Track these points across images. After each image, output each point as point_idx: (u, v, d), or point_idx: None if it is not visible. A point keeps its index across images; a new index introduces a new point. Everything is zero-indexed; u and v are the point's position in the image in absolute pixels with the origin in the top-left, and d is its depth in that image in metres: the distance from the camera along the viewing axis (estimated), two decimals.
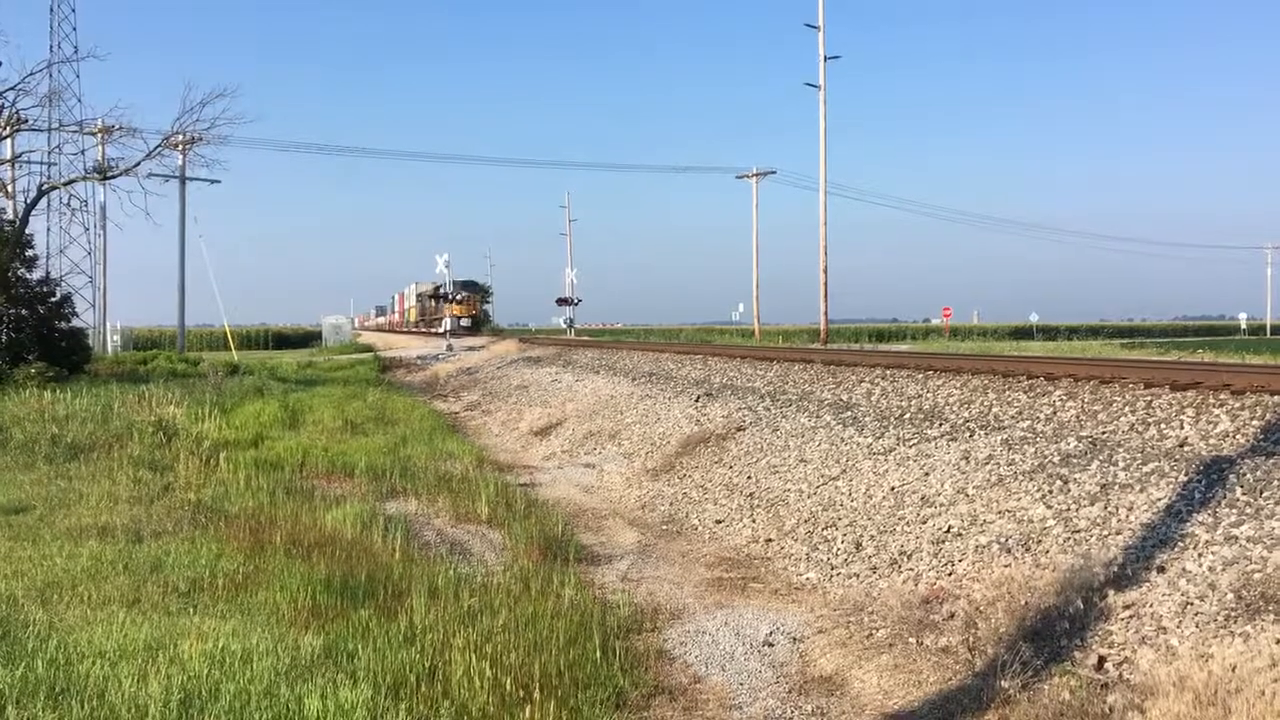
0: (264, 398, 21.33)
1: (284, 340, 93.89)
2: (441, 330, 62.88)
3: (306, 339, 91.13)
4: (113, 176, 29.59)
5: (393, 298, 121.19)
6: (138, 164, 28.37)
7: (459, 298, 70.75)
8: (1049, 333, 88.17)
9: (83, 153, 34.36)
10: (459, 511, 11.04)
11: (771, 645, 6.99)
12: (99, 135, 33.87)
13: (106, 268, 45.52)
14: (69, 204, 41.28)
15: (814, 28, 39.53)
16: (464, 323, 70.64)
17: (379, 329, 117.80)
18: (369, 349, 53.58)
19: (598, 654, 6.23)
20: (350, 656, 5.75)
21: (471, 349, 42.31)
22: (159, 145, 29.03)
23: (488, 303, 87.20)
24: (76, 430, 14.87)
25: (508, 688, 5.43)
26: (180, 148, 33.75)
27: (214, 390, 22.27)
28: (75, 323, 30.53)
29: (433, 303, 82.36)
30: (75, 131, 34.48)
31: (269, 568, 7.87)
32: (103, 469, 12.35)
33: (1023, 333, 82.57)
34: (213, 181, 40.74)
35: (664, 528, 11.03)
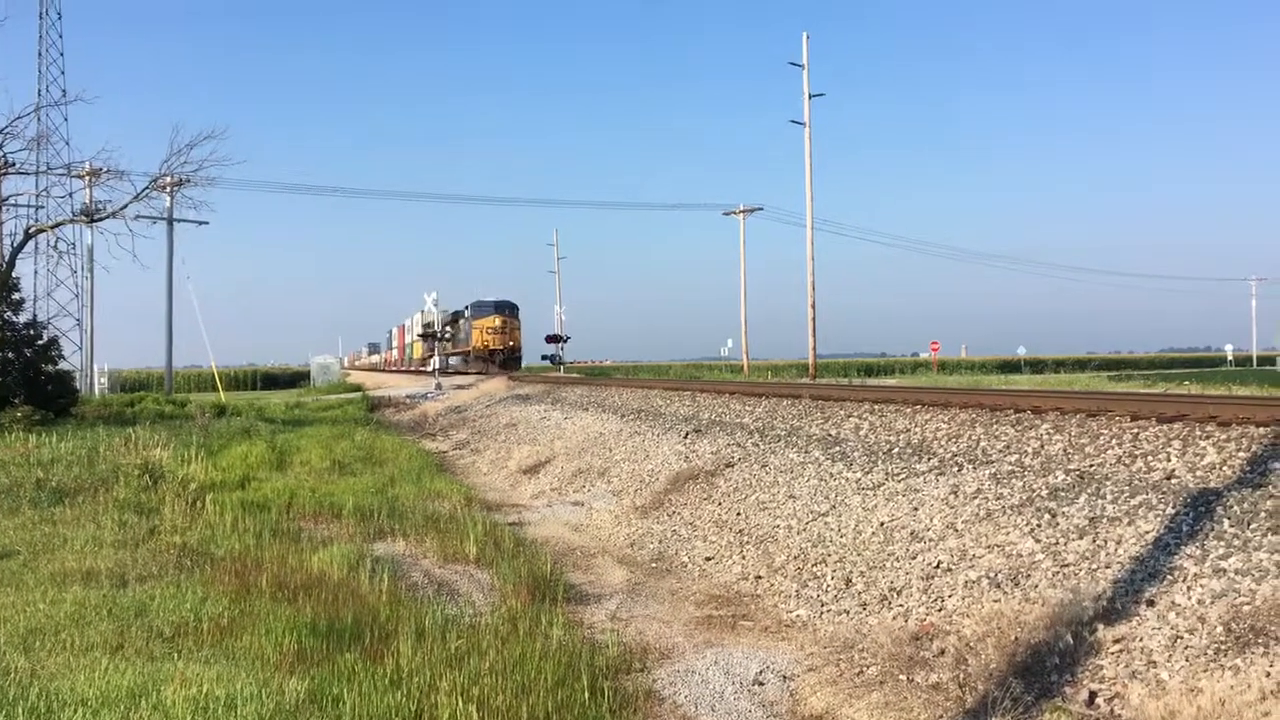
0: (251, 439, 21.24)
1: (272, 381, 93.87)
2: (435, 369, 52.72)
3: (295, 379, 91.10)
4: (100, 219, 29.62)
5: (389, 333, 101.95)
6: (125, 206, 28.43)
7: (490, 323, 51.99)
8: (1036, 366, 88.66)
9: (70, 195, 34.50)
10: (447, 552, 10.96)
11: (761, 684, 6.93)
12: (86, 178, 33.98)
13: (94, 310, 45.55)
14: (56, 247, 41.33)
15: (798, 66, 39.91)
16: (493, 358, 51.18)
17: (372, 368, 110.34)
18: (358, 388, 53.54)
19: (586, 695, 6.17)
20: (335, 701, 5.68)
21: (460, 387, 42.22)
22: (146, 188, 29.10)
23: None
24: (62, 474, 14.79)
25: None
26: (168, 190, 33.81)
27: (201, 432, 22.19)
28: (62, 365, 30.43)
29: (447, 331, 62.68)
30: (63, 174, 34.62)
31: (255, 611, 7.80)
32: (88, 513, 12.27)
33: (1010, 366, 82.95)
34: (200, 223, 40.86)
35: (653, 566, 10.98)
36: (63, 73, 52.28)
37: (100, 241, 36.16)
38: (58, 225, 32.14)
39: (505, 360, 51.66)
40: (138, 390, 50.05)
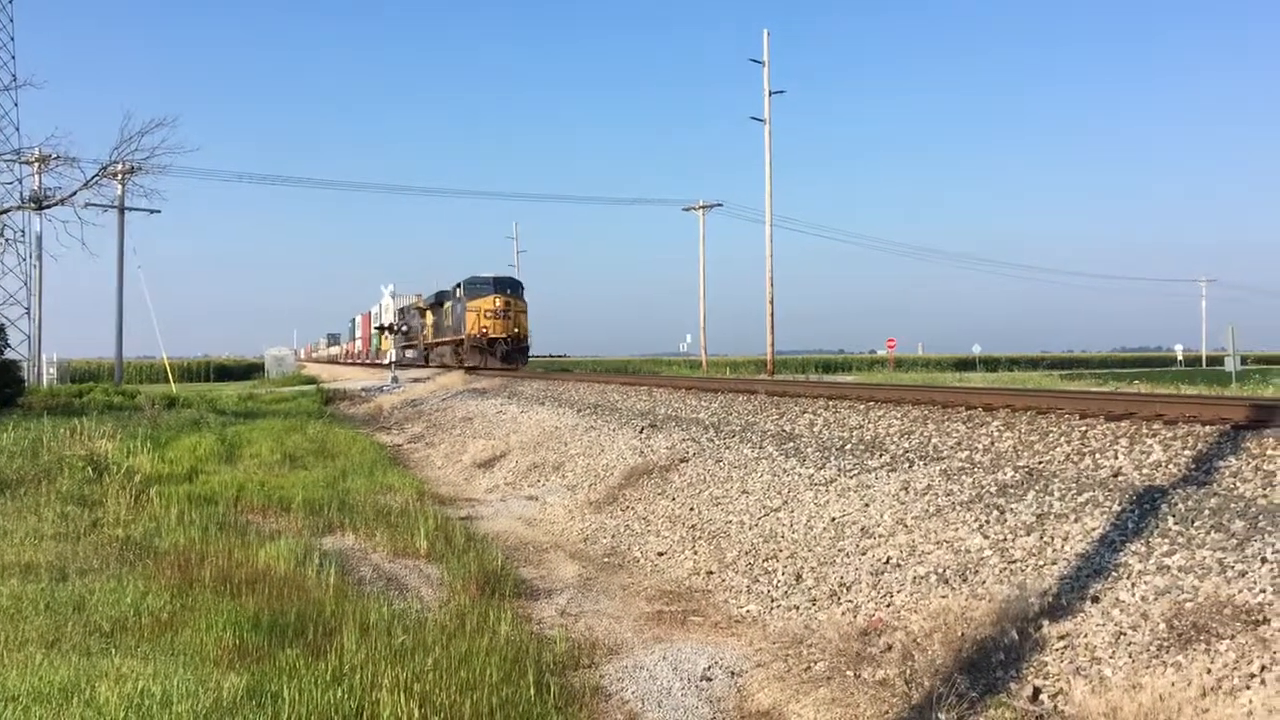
0: (201, 431, 20.93)
1: (226, 372, 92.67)
2: (391, 362, 47.82)
3: (249, 371, 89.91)
4: (48, 206, 29.05)
5: (351, 322, 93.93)
6: (74, 193, 27.92)
7: (489, 305, 40.96)
8: (991, 364, 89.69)
9: (19, 181, 33.76)
10: (397, 546, 10.84)
11: (709, 680, 6.91)
12: (35, 164, 33.30)
13: (42, 299, 44.66)
14: (3, 234, 40.45)
15: (759, 63, 40.02)
16: (494, 348, 40.55)
17: (331, 360, 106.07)
18: (313, 381, 52.92)
19: (531, 692, 6.11)
20: (274, 698, 5.58)
21: (417, 380, 41.92)
22: (96, 175, 28.58)
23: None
24: (3, 465, 14.48)
25: None
26: (119, 177, 33.21)
27: (149, 423, 21.84)
28: (9, 355, 29.88)
29: (427, 319, 52.64)
30: (11, 160, 33.90)
31: (196, 606, 7.66)
32: (29, 505, 12.01)
33: (966, 364, 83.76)
34: (152, 211, 40.08)
35: (605, 560, 10.93)
36: (13, 57, 51.22)
37: (49, 229, 35.26)
38: (5, 212, 31.49)
39: (509, 352, 40.86)
40: (87, 381, 49.15)
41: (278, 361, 73.06)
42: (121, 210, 40.75)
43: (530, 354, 44.00)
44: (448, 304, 45.90)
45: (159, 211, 39.41)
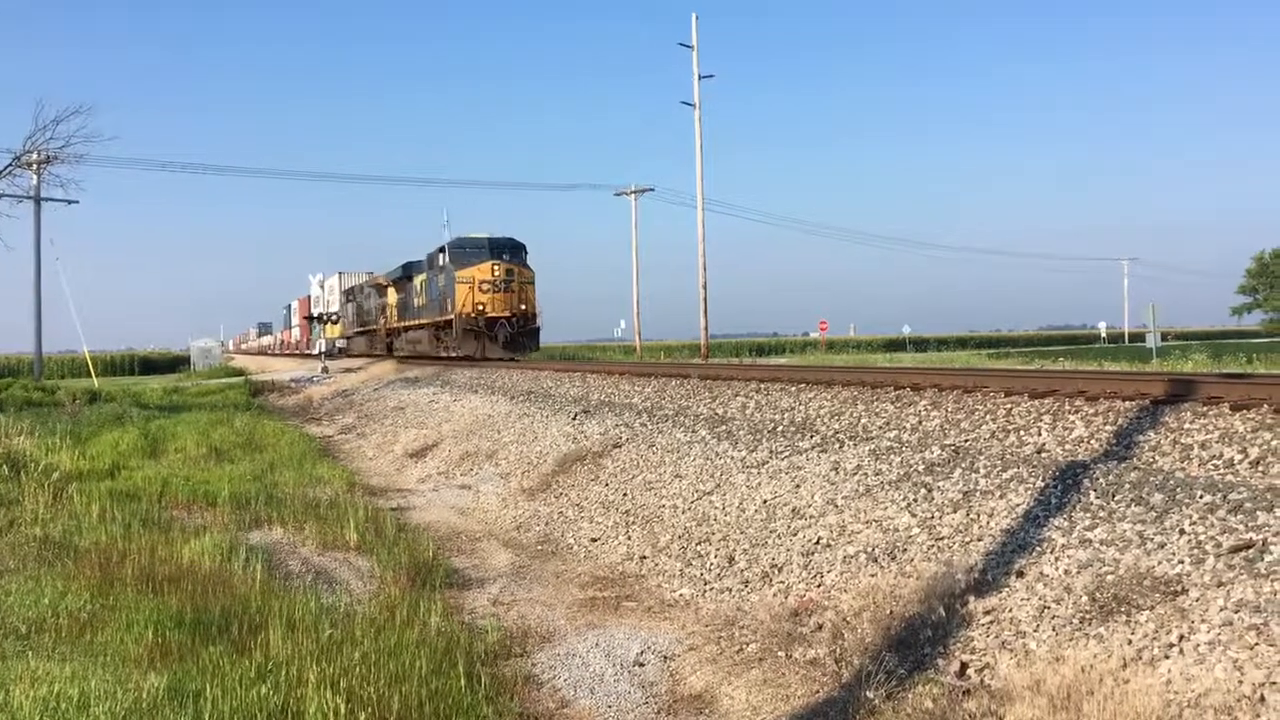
0: (123, 426, 20.44)
1: (151, 366, 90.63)
2: (321, 353, 48.08)
3: (175, 364, 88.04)
4: None
5: (286, 308, 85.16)
6: None
7: (485, 274, 31.37)
8: (920, 344, 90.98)
9: None
10: (326, 539, 10.67)
11: (642, 665, 6.90)
12: None
13: None
14: None
15: (688, 47, 40.01)
16: (494, 332, 31.09)
17: (262, 351, 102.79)
18: (240, 373, 52.00)
19: (462, 683, 6.04)
20: (196, 697, 5.45)
21: (348, 370, 41.39)
22: (10, 165, 27.82)
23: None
24: None
25: None
26: (34, 167, 32.27)
27: (70, 419, 21.30)
28: None
29: (390, 298, 42.58)
30: None
31: (117, 605, 7.46)
32: None
33: (896, 345, 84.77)
34: (70, 202, 38.98)
35: (539, 548, 10.88)
36: None
37: None
38: None
39: (515, 335, 31.32)
40: (6, 377, 47.86)
41: (204, 354, 71.60)
42: (38, 201, 39.54)
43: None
44: (421, 277, 36.74)
45: (77, 202, 38.31)
